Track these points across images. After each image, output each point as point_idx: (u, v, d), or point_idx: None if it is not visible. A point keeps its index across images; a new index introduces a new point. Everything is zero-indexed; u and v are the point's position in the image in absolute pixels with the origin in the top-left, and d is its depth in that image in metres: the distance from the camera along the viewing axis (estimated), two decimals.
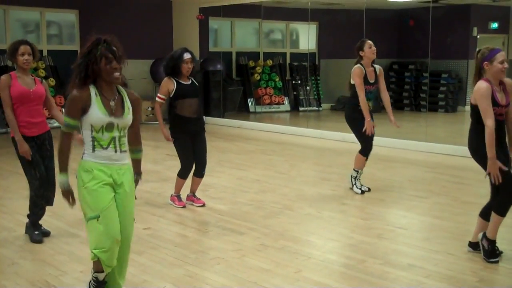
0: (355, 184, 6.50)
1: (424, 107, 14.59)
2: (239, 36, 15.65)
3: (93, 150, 3.33)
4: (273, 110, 15.20)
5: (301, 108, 15.28)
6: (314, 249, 4.84)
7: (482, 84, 4.20)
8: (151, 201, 6.25)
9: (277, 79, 15.33)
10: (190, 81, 5.85)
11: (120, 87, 3.43)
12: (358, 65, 6.27)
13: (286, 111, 15.30)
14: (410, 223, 5.57)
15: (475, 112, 4.26)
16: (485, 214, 4.46)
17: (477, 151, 4.31)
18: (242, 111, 14.75)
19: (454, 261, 4.41)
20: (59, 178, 3.41)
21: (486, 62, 4.23)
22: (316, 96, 15.58)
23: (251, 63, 15.19)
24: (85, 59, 3.26)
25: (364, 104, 6.16)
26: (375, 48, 6.32)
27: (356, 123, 6.31)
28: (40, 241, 4.89)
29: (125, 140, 3.43)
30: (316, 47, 15.73)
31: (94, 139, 3.33)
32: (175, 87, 5.74)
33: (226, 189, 6.90)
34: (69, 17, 13.77)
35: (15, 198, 6.49)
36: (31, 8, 13.09)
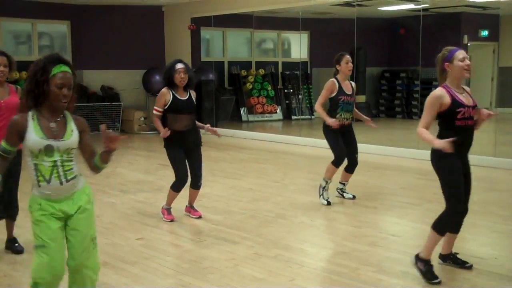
0: (322, 194, 6.47)
1: (415, 114, 14.65)
2: (231, 46, 15.69)
3: (38, 184, 3.13)
4: (266, 119, 15.23)
5: (293, 117, 15.33)
6: (307, 257, 4.84)
7: (434, 92, 4.05)
8: (144, 211, 6.24)
9: (269, 88, 15.38)
10: (187, 96, 5.70)
11: (66, 111, 3.24)
12: (333, 79, 6.30)
13: (279, 120, 15.34)
14: (403, 230, 5.58)
15: (440, 119, 4.09)
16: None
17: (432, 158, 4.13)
18: (235, 120, 14.78)
19: (447, 268, 4.42)
20: None
21: (446, 63, 4.07)
22: (308, 105, 15.63)
23: (243, 73, 15.24)
24: (35, 79, 3.09)
25: (318, 108, 6.23)
26: (351, 65, 6.34)
27: (327, 134, 6.33)
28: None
29: (71, 165, 3.19)
30: (308, 56, 15.80)
31: (36, 167, 3.11)
32: (170, 100, 5.61)
33: (219, 198, 6.90)
34: (61, 28, 13.80)
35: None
36: (23, 20, 13.10)
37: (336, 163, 6.37)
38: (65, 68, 3.13)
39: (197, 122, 5.93)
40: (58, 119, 3.18)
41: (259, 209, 6.30)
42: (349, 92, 6.31)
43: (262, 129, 13.84)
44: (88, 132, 3.33)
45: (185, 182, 5.82)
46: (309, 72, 15.81)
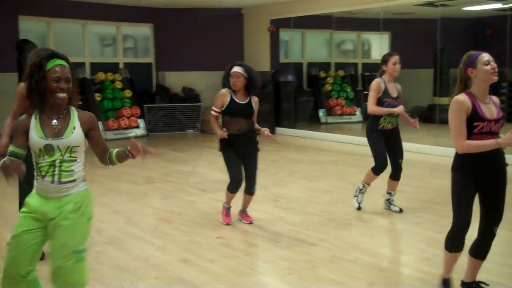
0: (357, 196, 6.29)
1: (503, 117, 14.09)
2: (310, 47, 15.64)
3: (36, 178, 3.12)
4: (345, 120, 15.08)
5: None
6: (387, 262, 4.76)
7: (456, 97, 3.63)
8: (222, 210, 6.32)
9: (348, 90, 15.21)
10: (247, 101, 5.59)
11: (72, 107, 3.17)
12: (378, 79, 5.99)
13: (358, 122, 15.13)
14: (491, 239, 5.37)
15: None
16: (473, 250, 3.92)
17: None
18: (313, 122, 14.71)
19: None
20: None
21: (469, 69, 3.65)
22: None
23: (322, 74, 15.15)
24: (34, 73, 3.02)
25: (378, 110, 5.89)
26: (399, 67, 6.01)
27: (371, 139, 6.05)
28: None
29: (71, 166, 3.10)
30: None
31: (37, 165, 3.09)
32: (228, 102, 5.53)
33: (297, 199, 6.89)
34: (144, 30, 14.20)
35: (94, 205, 6.70)
36: (108, 23, 13.58)
37: (377, 171, 6.09)
38: (60, 62, 3.05)
39: (256, 125, 5.78)
40: (62, 116, 3.11)
41: (337, 212, 6.24)
42: (395, 95, 6.00)
43: (341, 131, 13.71)
44: (96, 128, 3.24)
45: (240, 184, 5.70)
46: None
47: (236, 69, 5.52)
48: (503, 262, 4.62)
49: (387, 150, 6.05)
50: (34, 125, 3.06)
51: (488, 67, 3.63)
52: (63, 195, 3.11)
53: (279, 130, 13.52)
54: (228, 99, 5.53)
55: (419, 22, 14.42)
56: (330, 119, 14.92)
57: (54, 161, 3.05)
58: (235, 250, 5.01)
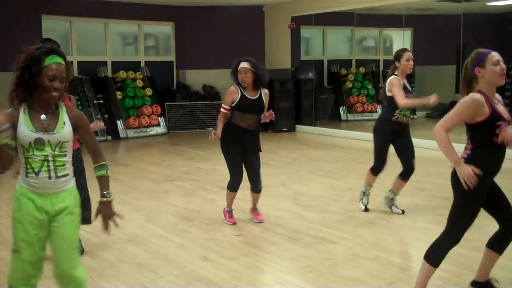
0: (362, 199, 6.19)
1: None
2: (331, 44, 15.56)
3: (26, 175, 2.99)
4: (366, 118, 14.97)
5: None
6: (408, 260, 4.71)
7: (473, 94, 3.43)
8: (242, 208, 6.30)
9: (369, 87, 15.11)
10: (257, 96, 5.53)
11: (60, 102, 3.07)
12: (394, 76, 5.87)
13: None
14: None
15: (473, 133, 3.51)
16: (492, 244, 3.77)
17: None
18: (334, 119, 14.63)
19: None
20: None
21: (477, 68, 3.44)
22: None
23: (343, 71, 15.06)
24: (28, 68, 2.92)
25: (411, 102, 5.78)
26: (412, 63, 5.89)
27: (379, 136, 5.95)
28: None
29: (64, 160, 3.03)
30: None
31: (26, 160, 2.98)
32: (238, 99, 5.47)
33: (317, 197, 6.85)
34: (166, 29, 14.25)
35: (114, 202, 6.74)
36: (130, 21, 13.66)
37: (376, 171, 6.03)
38: (58, 60, 2.97)
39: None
40: (50, 111, 3.02)
41: (358, 210, 6.19)
42: (411, 90, 5.95)
43: (361, 129, 13.61)
44: (85, 127, 3.15)
45: (239, 182, 5.65)
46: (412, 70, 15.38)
47: (244, 64, 5.48)
48: None
49: (398, 148, 5.95)
50: (23, 118, 2.95)
51: (497, 67, 3.42)
52: (61, 190, 3.05)
53: (299, 127, 13.49)
54: (239, 95, 5.49)
55: (441, 18, 14.27)
56: (351, 117, 14.84)
57: (47, 156, 2.98)
58: (254, 248, 5.01)
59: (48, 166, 2.99)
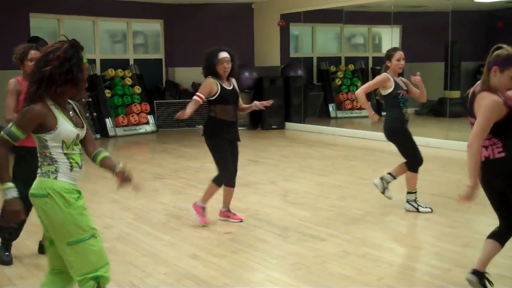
0: (419, 206, 5.94)
1: None
2: (320, 41, 15.58)
3: (71, 169, 2.99)
4: (355, 115, 15.01)
5: (383, 113, 15.01)
6: (397, 256, 4.73)
7: (491, 96, 3.40)
8: (232, 206, 6.28)
9: (359, 84, 15.12)
10: (232, 86, 5.48)
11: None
12: (386, 74, 5.89)
13: (368, 116, 15.05)
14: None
15: (496, 129, 3.44)
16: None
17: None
18: (323, 117, 14.66)
19: None
20: (4, 188, 2.91)
21: (495, 67, 3.40)
22: None
23: (332, 68, 15.09)
24: (69, 64, 2.91)
25: (361, 95, 5.93)
26: (403, 63, 5.90)
27: (402, 136, 5.92)
28: (9, 263, 4.59)
29: None
30: None
31: (68, 156, 2.98)
32: (218, 91, 5.36)
33: (307, 194, 6.86)
34: (155, 26, 14.21)
35: (103, 201, 6.74)
36: (119, 19, 13.61)
37: (414, 168, 5.94)
38: (85, 59, 3.06)
39: (245, 105, 5.72)
40: (70, 106, 3.07)
41: (347, 207, 6.21)
42: (405, 88, 5.94)
43: (351, 126, 13.66)
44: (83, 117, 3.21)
45: (231, 177, 5.57)
46: None
47: (225, 54, 5.38)
48: None
49: (413, 146, 5.95)
50: (61, 115, 2.95)
51: (510, 82, 3.40)
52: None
53: (289, 125, 13.49)
54: (218, 87, 5.38)
55: (430, 15, 14.32)
56: (340, 114, 14.87)
57: (80, 149, 3.07)
58: (243, 246, 5.00)
59: (82, 159, 3.07)
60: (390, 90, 5.89)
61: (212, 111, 5.45)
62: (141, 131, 12.87)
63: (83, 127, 3.07)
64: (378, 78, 5.95)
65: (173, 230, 5.51)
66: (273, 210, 6.13)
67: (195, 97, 5.40)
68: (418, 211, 5.89)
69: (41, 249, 4.66)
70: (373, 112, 5.98)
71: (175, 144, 11.25)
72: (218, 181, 5.60)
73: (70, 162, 2.98)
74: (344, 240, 5.08)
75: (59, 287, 3.12)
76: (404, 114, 5.91)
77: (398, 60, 5.89)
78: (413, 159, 5.92)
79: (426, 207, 5.92)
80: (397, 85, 5.89)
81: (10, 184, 2.91)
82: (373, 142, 10.98)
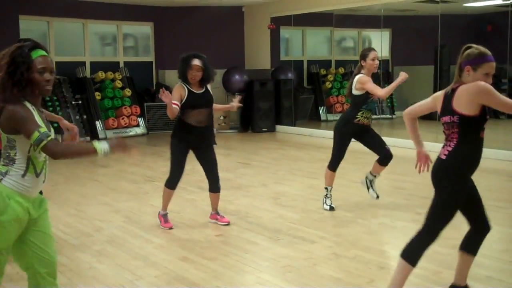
0: (325, 202, 6.25)
1: (503, 114, 14.08)
2: (311, 45, 15.62)
3: (24, 174, 2.86)
4: None
5: (374, 116, 15.05)
6: (387, 259, 4.75)
7: (485, 83, 3.36)
8: (223, 209, 6.29)
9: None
10: (204, 89, 5.45)
11: None
12: (362, 74, 5.96)
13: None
14: (488, 233, 5.35)
15: (463, 128, 3.42)
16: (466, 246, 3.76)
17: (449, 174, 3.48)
18: (314, 120, 14.69)
19: None
20: (95, 146, 2.86)
21: (468, 66, 3.40)
22: (389, 104, 15.33)
23: (323, 71, 15.13)
24: (17, 67, 2.82)
25: (389, 89, 5.93)
26: (378, 62, 5.98)
27: (338, 136, 6.13)
28: None
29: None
30: (389, 54, 15.50)
31: (29, 159, 2.87)
32: (186, 96, 5.35)
33: (297, 197, 6.87)
34: (145, 29, 14.19)
35: (93, 204, 6.72)
36: (109, 22, 13.57)
37: (333, 167, 6.21)
38: (43, 53, 2.91)
39: (220, 106, 5.81)
40: (39, 108, 2.97)
41: (337, 209, 6.23)
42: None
43: None
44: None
45: (178, 179, 5.60)
46: (390, 70, 15.51)
47: (196, 62, 5.36)
48: (505, 259, 4.61)
49: (367, 143, 6.19)
50: (38, 118, 2.86)
51: (485, 79, 3.39)
52: (39, 191, 3.03)
53: (279, 128, 13.51)
54: (186, 92, 5.37)
55: (419, 19, 14.39)
56: (331, 117, 14.89)
57: (46, 156, 2.93)
58: (234, 248, 5.01)
59: (45, 168, 2.97)
60: (363, 92, 5.94)
61: (181, 114, 5.46)
62: (131, 133, 12.84)
63: (50, 132, 2.92)
64: (365, 79, 5.94)
65: (164, 233, 5.51)
66: (263, 213, 6.14)
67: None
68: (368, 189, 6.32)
69: None
70: (395, 81, 5.92)
71: (166, 146, 11.15)
72: (167, 183, 5.62)
73: (27, 167, 2.87)
74: (334, 242, 5.09)
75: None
76: (356, 117, 5.99)
77: (373, 59, 5.97)
78: (333, 158, 6.20)
79: (330, 206, 6.19)
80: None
81: (96, 143, 2.86)
82: (362, 145, 11.00)
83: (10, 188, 2.85)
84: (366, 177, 6.37)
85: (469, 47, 3.46)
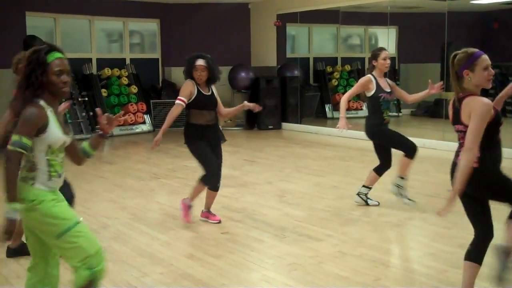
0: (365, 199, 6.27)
1: (510, 112, 14.03)
2: (317, 42, 15.59)
3: (49, 178, 2.96)
4: (351, 115, 15.00)
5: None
6: (393, 257, 4.74)
7: (482, 99, 3.32)
8: (229, 206, 6.31)
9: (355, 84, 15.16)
10: (210, 92, 5.49)
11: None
12: (369, 75, 6.00)
13: (365, 117, 15.04)
14: (495, 233, 5.33)
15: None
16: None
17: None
18: (320, 117, 14.67)
19: None
20: (11, 208, 2.80)
21: (466, 71, 3.36)
22: (395, 102, 15.29)
23: (329, 69, 15.10)
24: (35, 69, 2.89)
25: (343, 101, 6.07)
26: (389, 62, 6.00)
27: (381, 137, 6.16)
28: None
29: None
30: (395, 52, 15.46)
31: (48, 162, 2.94)
32: (195, 95, 5.39)
33: (303, 195, 6.87)
34: (151, 26, 14.19)
35: (99, 200, 6.74)
36: (115, 18, 13.58)
37: (381, 170, 6.22)
38: (60, 55, 2.98)
39: (232, 110, 5.79)
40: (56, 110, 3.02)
41: (343, 207, 6.22)
42: (388, 90, 6.01)
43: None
44: None
45: (219, 176, 5.54)
46: (396, 68, 15.46)
47: (200, 62, 5.40)
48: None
49: (399, 137, 6.13)
50: (53, 120, 2.92)
51: (486, 73, 3.37)
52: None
53: (285, 125, 13.50)
54: (195, 91, 5.42)
55: (426, 16, 14.35)
56: (337, 114, 14.79)
57: (63, 157, 3.04)
58: (240, 246, 5.01)
59: (63, 167, 3.05)
60: (372, 92, 5.98)
61: (187, 116, 5.49)
62: (137, 130, 12.86)
63: (69, 134, 3.04)
64: (360, 81, 6.07)
65: (170, 230, 5.51)
66: (269, 211, 6.14)
67: (177, 101, 5.44)
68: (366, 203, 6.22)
69: (9, 253, 4.66)
70: (344, 122, 5.99)
71: (172, 143, 11.23)
72: (206, 181, 5.56)
73: (49, 171, 2.95)
74: (340, 240, 5.09)
75: (40, 276, 3.10)
76: (384, 118, 6.02)
77: (384, 59, 5.99)
78: (405, 148, 6.07)
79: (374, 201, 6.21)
80: (378, 88, 5.98)
81: (17, 206, 2.82)
82: (369, 143, 10.97)
83: (40, 189, 2.94)
84: (397, 185, 6.20)
85: (456, 54, 3.46)
